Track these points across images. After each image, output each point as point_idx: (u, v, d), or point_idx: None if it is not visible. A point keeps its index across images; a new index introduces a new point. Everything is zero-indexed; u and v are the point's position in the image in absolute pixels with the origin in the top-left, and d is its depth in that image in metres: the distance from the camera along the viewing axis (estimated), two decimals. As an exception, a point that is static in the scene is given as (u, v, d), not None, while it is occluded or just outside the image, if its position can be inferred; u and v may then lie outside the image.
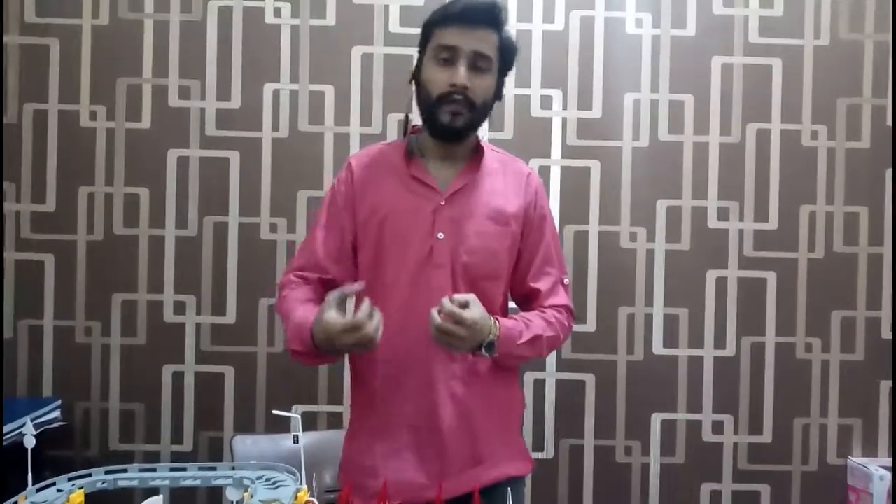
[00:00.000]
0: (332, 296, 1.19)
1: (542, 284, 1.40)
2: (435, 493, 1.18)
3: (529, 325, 1.33)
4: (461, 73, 1.27)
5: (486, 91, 1.31)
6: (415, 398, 1.31)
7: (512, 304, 1.47)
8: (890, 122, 2.08)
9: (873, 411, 2.08)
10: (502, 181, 1.38)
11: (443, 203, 1.33)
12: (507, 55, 1.35)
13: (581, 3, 2.06)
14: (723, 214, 2.07)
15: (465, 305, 1.21)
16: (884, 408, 2.08)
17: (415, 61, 1.39)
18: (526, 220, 1.39)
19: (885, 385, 2.08)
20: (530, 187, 1.41)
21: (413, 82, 1.38)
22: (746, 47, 2.07)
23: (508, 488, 1.10)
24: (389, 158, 1.39)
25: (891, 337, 2.07)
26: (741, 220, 2.07)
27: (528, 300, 1.43)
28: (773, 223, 2.08)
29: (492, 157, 1.41)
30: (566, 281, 1.45)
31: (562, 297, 1.42)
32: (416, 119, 1.38)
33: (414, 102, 1.38)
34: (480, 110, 1.32)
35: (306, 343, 1.24)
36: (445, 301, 1.20)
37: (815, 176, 2.08)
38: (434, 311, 1.20)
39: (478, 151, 1.40)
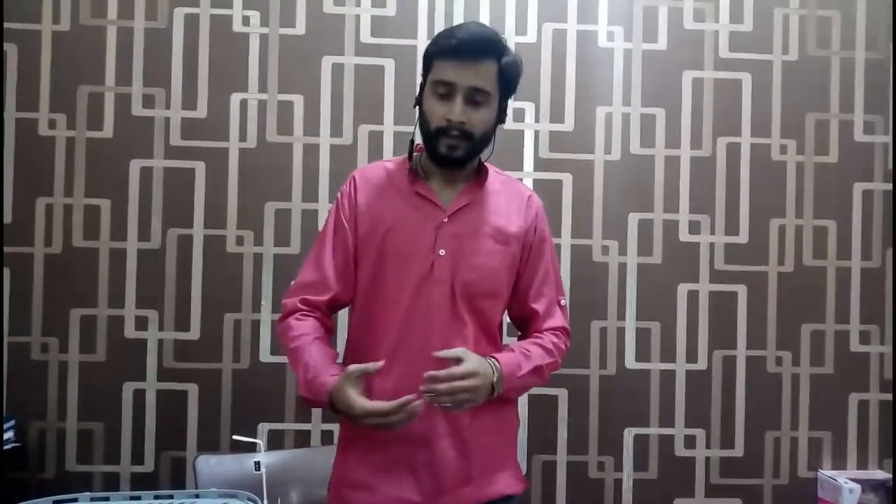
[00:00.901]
0: (354, 370, 1.20)
1: (540, 306, 1.41)
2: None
3: (529, 356, 1.34)
4: (456, 110, 1.28)
5: (484, 122, 1.31)
6: None
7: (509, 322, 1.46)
8: (857, 137, 2.11)
9: (842, 424, 2.09)
10: (504, 201, 1.39)
11: (445, 220, 1.33)
12: (509, 81, 1.33)
13: (553, 15, 2.05)
14: (694, 228, 2.08)
15: (458, 361, 1.22)
16: (852, 421, 2.09)
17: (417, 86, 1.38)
18: (525, 242, 1.39)
19: (854, 398, 2.09)
20: (531, 209, 1.42)
21: (417, 107, 1.37)
22: (717, 62, 2.09)
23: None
24: (393, 175, 1.39)
25: (860, 350, 2.09)
26: (712, 233, 2.08)
27: (526, 321, 1.44)
28: (743, 237, 2.08)
29: (494, 177, 1.41)
30: (563, 302, 1.45)
31: (559, 319, 1.43)
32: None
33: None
34: (479, 141, 1.33)
35: (323, 404, 1.25)
36: (437, 373, 1.19)
37: (785, 190, 2.10)
38: (435, 386, 1.19)
39: (480, 171, 1.40)
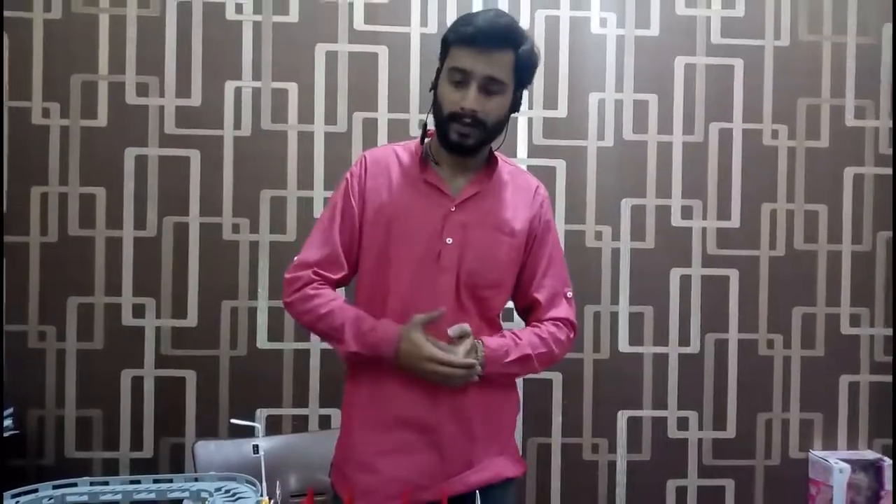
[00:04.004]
0: (420, 317, 1.26)
1: (543, 296, 1.41)
2: (433, 494, 1.25)
3: (518, 343, 1.35)
4: (470, 98, 1.28)
5: (497, 111, 1.32)
6: (414, 397, 1.31)
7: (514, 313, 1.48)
8: (848, 122, 2.12)
9: (833, 405, 2.12)
10: (511, 192, 1.40)
11: (453, 209, 1.34)
12: (525, 71, 1.33)
13: (546, 2, 2.05)
14: (686, 213, 2.09)
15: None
16: (843, 402, 2.12)
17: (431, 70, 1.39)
18: (531, 232, 1.40)
19: (845, 379, 2.12)
20: (537, 200, 1.43)
21: (432, 91, 1.37)
22: (709, 48, 2.09)
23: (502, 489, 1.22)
24: (403, 160, 1.39)
25: (850, 332, 2.12)
26: (704, 218, 2.10)
27: (530, 311, 1.44)
28: (735, 221, 2.10)
29: (503, 167, 1.42)
30: (569, 293, 1.45)
31: (563, 310, 1.42)
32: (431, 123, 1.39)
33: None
34: (492, 129, 1.33)
35: (385, 351, 1.28)
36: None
37: (776, 175, 2.11)
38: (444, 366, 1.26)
39: (490, 161, 1.41)
